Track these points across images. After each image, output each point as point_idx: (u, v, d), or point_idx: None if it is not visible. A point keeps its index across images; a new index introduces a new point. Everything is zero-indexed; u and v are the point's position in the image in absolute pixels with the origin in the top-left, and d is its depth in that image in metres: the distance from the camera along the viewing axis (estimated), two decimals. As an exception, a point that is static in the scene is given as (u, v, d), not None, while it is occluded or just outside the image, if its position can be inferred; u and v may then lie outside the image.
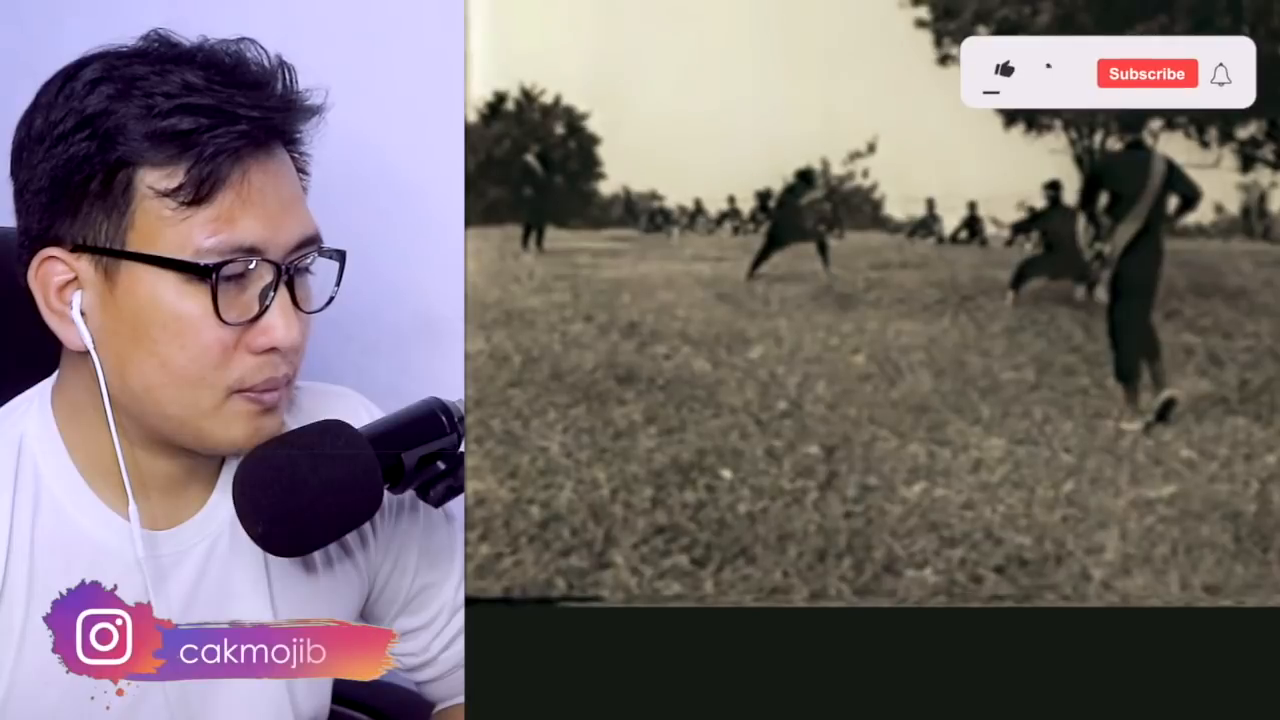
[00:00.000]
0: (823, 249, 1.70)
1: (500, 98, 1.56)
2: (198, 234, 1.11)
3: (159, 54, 1.15)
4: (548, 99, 1.59)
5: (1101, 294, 1.54)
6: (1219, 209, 1.56)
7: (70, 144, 1.11)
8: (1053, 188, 1.54)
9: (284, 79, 1.17)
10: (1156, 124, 1.47)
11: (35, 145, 1.13)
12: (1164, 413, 1.53)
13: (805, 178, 1.60)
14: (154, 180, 1.11)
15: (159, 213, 1.11)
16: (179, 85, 1.12)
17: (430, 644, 1.40)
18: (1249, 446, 1.49)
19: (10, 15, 1.93)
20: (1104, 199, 1.54)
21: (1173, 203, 1.51)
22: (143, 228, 1.12)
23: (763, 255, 1.69)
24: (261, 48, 1.17)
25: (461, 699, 1.43)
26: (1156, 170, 1.48)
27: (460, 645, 1.40)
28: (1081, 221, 1.57)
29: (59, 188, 1.12)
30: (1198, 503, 1.42)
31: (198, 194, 1.11)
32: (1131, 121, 1.47)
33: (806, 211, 1.65)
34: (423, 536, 1.37)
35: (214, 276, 1.11)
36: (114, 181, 1.11)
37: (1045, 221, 1.59)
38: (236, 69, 1.15)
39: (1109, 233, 1.51)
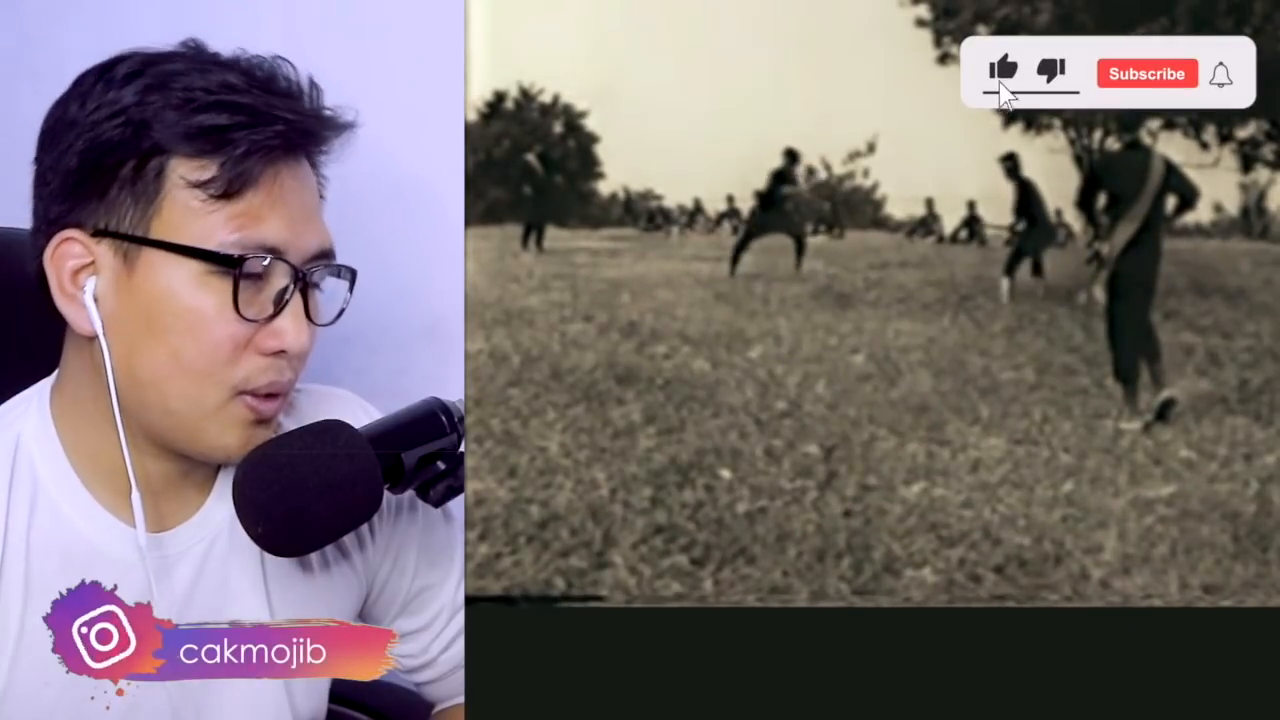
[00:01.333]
0: (800, 247, 1.70)
1: (500, 97, 1.56)
2: (222, 228, 1.12)
3: (194, 57, 1.16)
4: (547, 98, 1.59)
5: (1099, 294, 1.54)
6: (1218, 208, 1.56)
7: (104, 129, 1.12)
8: (1010, 159, 1.54)
9: (313, 98, 1.18)
10: (1155, 123, 1.47)
11: (66, 131, 1.14)
12: (1163, 413, 1.53)
13: (791, 158, 1.59)
14: (186, 171, 1.12)
15: (187, 203, 1.12)
16: (218, 84, 1.13)
17: (430, 645, 1.40)
18: (1248, 446, 1.49)
19: (10, 16, 1.93)
20: (1102, 199, 1.54)
21: (1170, 203, 1.51)
22: (169, 217, 1.12)
23: (741, 245, 1.69)
24: (293, 66, 1.19)
25: (461, 699, 1.43)
26: (1155, 170, 1.48)
27: (460, 646, 1.40)
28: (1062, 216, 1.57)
29: (88, 170, 1.13)
30: (1197, 503, 1.42)
31: (229, 189, 1.12)
32: (1130, 121, 1.47)
33: (787, 203, 1.65)
34: (422, 537, 1.37)
35: (238, 270, 1.11)
36: (145, 168, 1.12)
37: (1018, 199, 1.59)
38: (271, 79, 1.16)
39: (1108, 232, 1.51)
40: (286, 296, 1.14)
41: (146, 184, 1.12)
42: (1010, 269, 1.65)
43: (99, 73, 1.15)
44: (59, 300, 1.15)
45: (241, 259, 1.12)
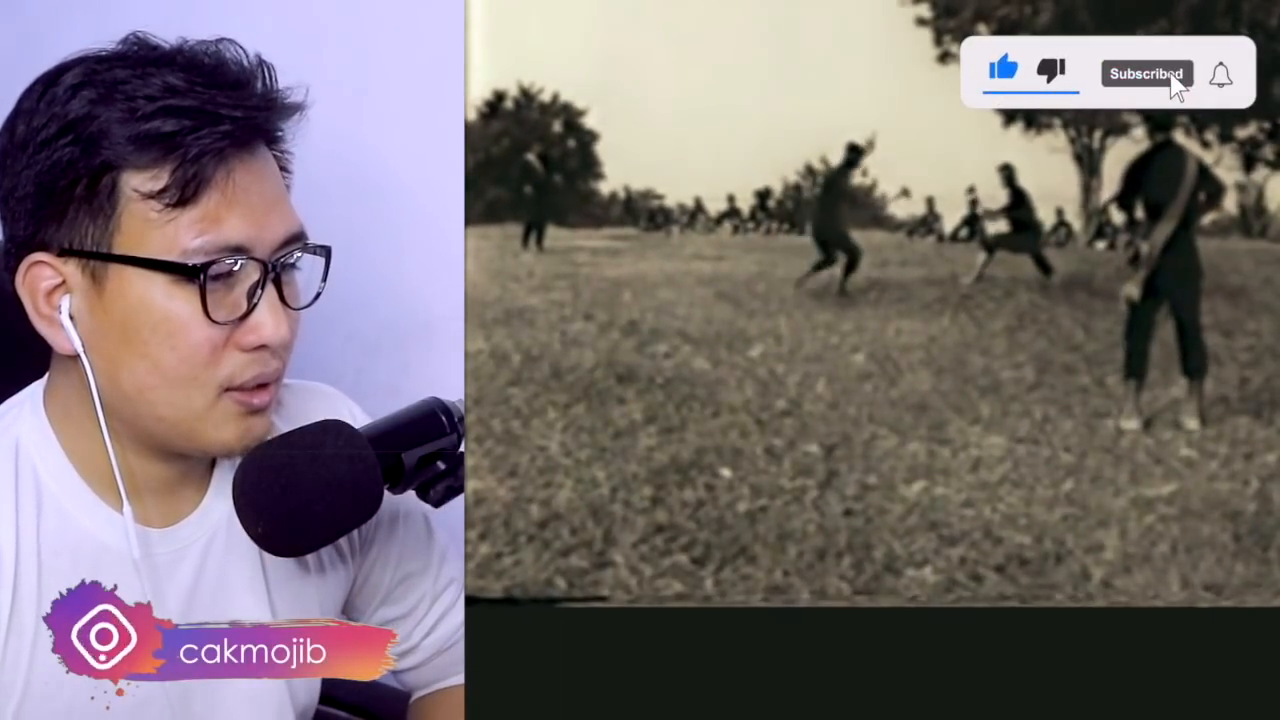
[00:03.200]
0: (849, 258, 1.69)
1: (499, 96, 1.56)
2: (184, 235, 1.11)
3: (139, 57, 1.15)
4: (546, 97, 1.59)
5: (1135, 291, 1.52)
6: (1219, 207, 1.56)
7: (54, 149, 1.11)
8: (1006, 169, 1.55)
9: (264, 78, 1.17)
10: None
11: (18, 152, 1.13)
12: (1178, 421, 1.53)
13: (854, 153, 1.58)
14: (139, 183, 1.11)
15: (145, 215, 1.11)
16: (160, 87, 1.12)
17: (412, 632, 1.40)
18: (1249, 445, 1.49)
19: (11, 16, 1.93)
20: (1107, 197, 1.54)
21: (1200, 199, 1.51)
22: (129, 230, 1.12)
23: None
24: (240, 48, 1.17)
25: (439, 686, 1.44)
26: (1190, 169, 1.48)
27: (441, 632, 1.41)
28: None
29: (44, 193, 1.12)
30: (1198, 501, 1.41)
31: (183, 195, 1.11)
32: (1164, 120, 1.47)
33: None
34: (403, 529, 1.38)
35: (202, 276, 1.11)
36: (99, 185, 1.11)
37: (1011, 203, 1.60)
38: (217, 70, 1.15)
39: (1146, 231, 1.50)
40: (259, 291, 1.14)
41: (102, 201, 1.11)
42: (990, 250, 1.66)
43: (44, 85, 1.15)
44: (36, 322, 1.15)
45: (202, 267, 1.11)
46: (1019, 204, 1.59)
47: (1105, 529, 1.38)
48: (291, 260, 1.17)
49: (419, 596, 1.40)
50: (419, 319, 1.77)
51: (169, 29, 1.19)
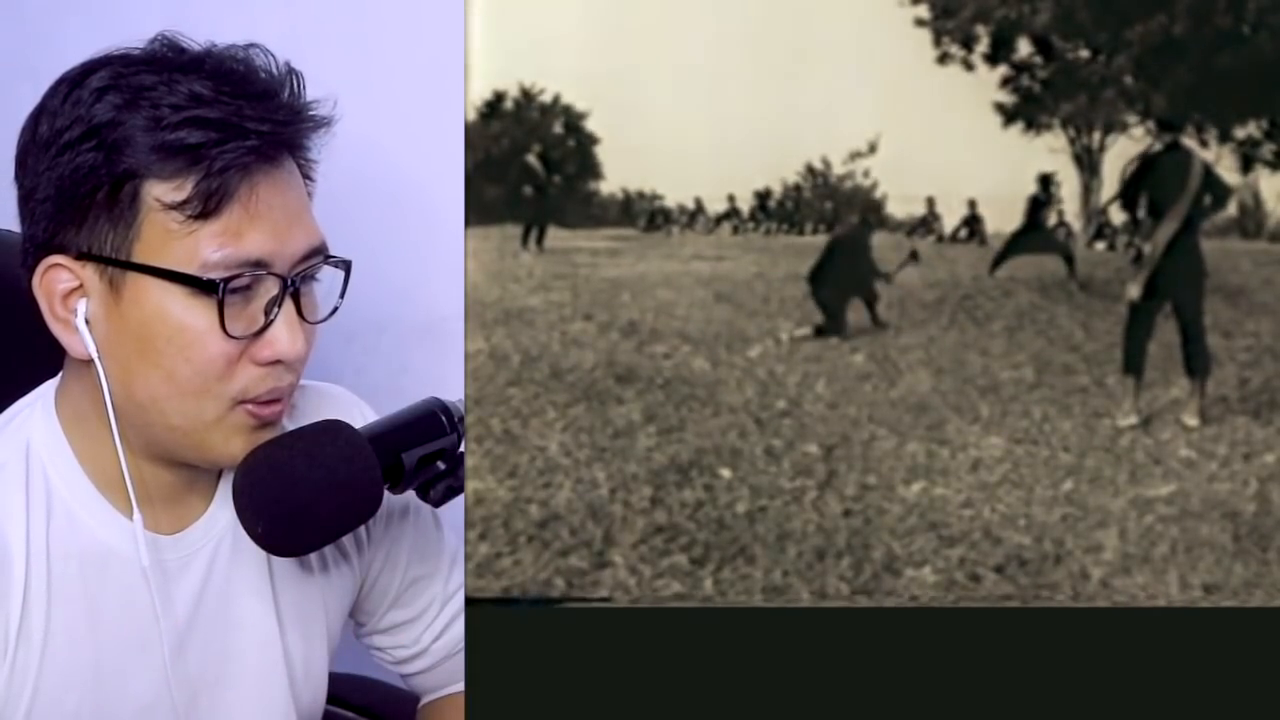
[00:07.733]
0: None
1: (500, 97, 1.56)
2: (205, 247, 1.10)
3: (167, 61, 1.14)
4: (547, 98, 1.59)
5: (1135, 291, 1.53)
6: (1217, 208, 1.56)
7: (77, 153, 1.10)
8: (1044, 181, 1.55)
9: (292, 87, 1.16)
10: (1151, 122, 1.48)
11: (41, 152, 1.12)
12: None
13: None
14: (161, 192, 1.10)
15: (166, 225, 1.10)
16: (186, 96, 1.10)
17: (421, 635, 1.40)
18: (1248, 445, 1.49)
19: (11, 15, 1.92)
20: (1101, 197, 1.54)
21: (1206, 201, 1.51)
22: (149, 239, 1.11)
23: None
24: (270, 54, 1.15)
25: (449, 690, 1.43)
26: (1195, 172, 1.48)
27: (451, 635, 1.40)
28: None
29: (65, 196, 1.11)
30: (1197, 502, 1.42)
31: (205, 208, 1.09)
32: (1177, 122, 1.47)
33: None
34: (413, 531, 1.37)
35: (220, 290, 1.10)
36: (120, 192, 1.10)
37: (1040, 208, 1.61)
38: (245, 78, 1.13)
39: (1149, 231, 1.50)
40: (276, 306, 1.13)
41: (123, 209, 1.10)
42: (996, 265, 1.67)
43: (70, 85, 1.13)
44: (52, 325, 1.14)
45: (221, 282, 1.10)
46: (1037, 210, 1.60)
47: (1105, 529, 1.38)
48: (311, 273, 1.16)
49: (429, 600, 1.39)
50: (419, 319, 1.77)
51: (172, 30, 1.18)
